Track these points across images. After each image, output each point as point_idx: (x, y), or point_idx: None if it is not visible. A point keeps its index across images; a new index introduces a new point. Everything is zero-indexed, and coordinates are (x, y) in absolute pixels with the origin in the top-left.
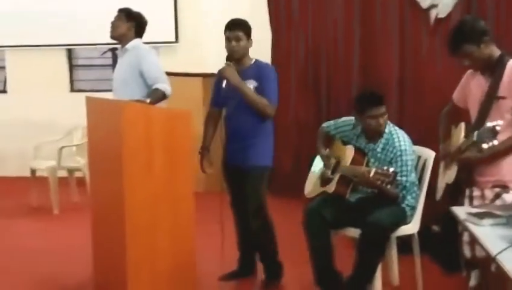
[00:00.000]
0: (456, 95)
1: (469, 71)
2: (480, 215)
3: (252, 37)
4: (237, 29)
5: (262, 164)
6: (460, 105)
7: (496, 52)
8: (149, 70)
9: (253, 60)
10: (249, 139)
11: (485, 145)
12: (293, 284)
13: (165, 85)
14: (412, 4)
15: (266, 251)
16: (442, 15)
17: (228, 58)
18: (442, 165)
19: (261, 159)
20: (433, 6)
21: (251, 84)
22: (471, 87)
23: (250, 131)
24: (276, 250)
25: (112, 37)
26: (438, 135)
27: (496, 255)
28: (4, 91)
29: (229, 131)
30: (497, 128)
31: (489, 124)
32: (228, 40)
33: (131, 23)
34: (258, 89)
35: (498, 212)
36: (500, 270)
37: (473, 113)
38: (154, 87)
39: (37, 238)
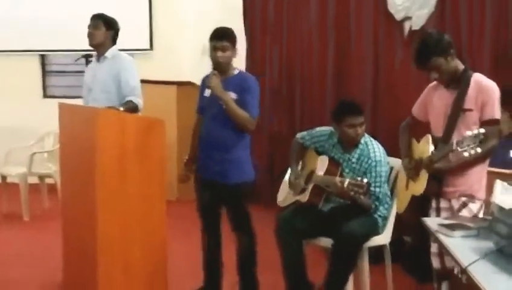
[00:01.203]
0: (415, 109)
1: (430, 85)
2: (452, 227)
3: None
4: (225, 39)
5: (246, 180)
6: (420, 118)
7: (460, 65)
8: (127, 81)
9: (237, 71)
10: (227, 154)
11: (466, 154)
12: None
13: (138, 99)
14: (386, 16)
15: (250, 267)
16: (416, 27)
17: (215, 68)
18: (403, 177)
19: (244, 176)
20: (407, 18)
21: (232, 96)
22: (434, 101)
23: (228, 144)
24: (256, 267)
25: (91, 45)
26: (400, 148)
27: (466, 267)
28: None
29: (204, 142)
30: (481, 136)
31: (470, 132)
32: (214, 49)
33: (109, 32)
34: (238, 102)
35: (469, 224)
36: (471, 282)
37: (436, 126)
38: (128, 98)
39: (7, 244)
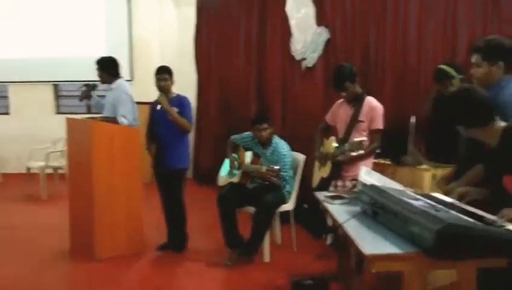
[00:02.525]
0: (328, 117)
1: (338, 101)
2: (333, 198)
3: (173, 78)
4: (164, 73)
5: (184, 167)
6: (331, 124)
7: (359, 89)
8: (119, 106)
9: (175, 94)
10: (174, 149)
11: (354, 153)
12: (212, 246)
13: (122, 119)
14: (290, 57)
15: (181, 226)
16: (309, 65)
17: (160, 91)
18: (317, 164)
19: (183, 163)
20: (304, 59)
21: (175, 110)
22: (340, 113)
23: (174, 142)
24: (186, 226)
25: (102, 82)
26: (314, 143)
27: (342, 223)
28: (7, 113)
29: (159, 144)
30: (364, 143)
31: (357, 139)
32: (158, 80)
33: (111, 71)
34: (180, 113)
35: (344, 195)
36: (344, 233)
37: (340, 130)
38: (121, 119)
39: (30, 216)
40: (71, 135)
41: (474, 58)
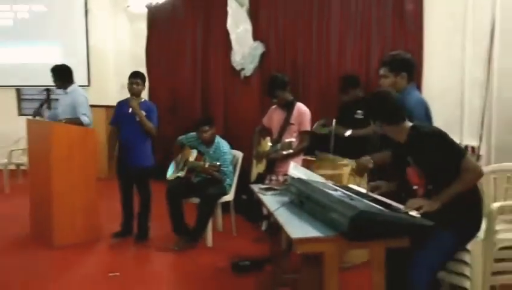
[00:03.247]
0: (264, 120)
1: (273, 106)
2: (266, 189)
3: (145, 83)
4: (137, 78)
5: (151, 164)
6: (267, 126)
7: (290, 96)
8: (79, 107)
9: (143, 99)
10: (139, 149)
11: (284, 152)
12: (161, 232)
13: (84, 117)
14: (231, 68)
15: (146, 218)
16: (247, 74)
17: (132, 95)
18: (254, 161)
19: (148, 162)
20: (242, 69)
21: (143, 113)
22: (274, 117)
23: (140, 143)
24: (149, 217)
25: (57, 87)
26: (252, 143)
27: (273, 211)
28: None
29: (124, 143)
30: (293, 143)
31: (287, 140)
32: (131, 84)
33: (65, 78)
34: (146, 117)
35: (276, 187)
36: (276, 220)
37: (274, 131)
38: (81, 118)
39: None
40: (32, 135)
41: (382, 71)
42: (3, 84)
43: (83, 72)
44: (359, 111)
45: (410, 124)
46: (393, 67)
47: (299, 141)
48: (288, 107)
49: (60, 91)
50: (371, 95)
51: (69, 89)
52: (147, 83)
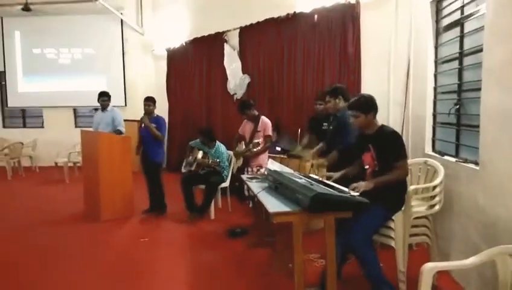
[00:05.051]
0: (240, 130)
1: (244, 120)
2: (251, 178)
3: (156, 104)
4: (149, 101)
5: (160, 161)
6: (241, 134)
7: (255, 112)
8: (117, 120)
9: (156, 115)
10: (151, 149)
11: (254, 150)
12: (178, 209)
13: (122, 128)
14: (227, 92)
15: (160, 197)
16: (238, 97)
17: (145, 113)
18: (234, 159)
19: (159, 159)
20: (235, 94)
21: (154, 126)
22: (246, 127)
23: (153, 145)
24: (164, 197)
25: (104, 108)
26: (232, 146)
27: (256, 194)
28: (42, 127)
29: (143, 145)
30: (260, 143)
31: (255, 140)
32: (145, 105)
33: (109, 101)
34: (156, 128)
35: (259, 177)
36: (259, 200)
37: (247, 137)
38: (117, 128)
39: (58, 193)
40: (84, 141)
41: (327, 98)
42: (64, 105)
43: (121, 97)
44: (325, 123)
45: (379, 123)
46: (333, 94)
47: (264, 143)
48: (255, 120)
49: (98, 111)
50: (358, 95)
51: (109, 108)
52: (166, 104)
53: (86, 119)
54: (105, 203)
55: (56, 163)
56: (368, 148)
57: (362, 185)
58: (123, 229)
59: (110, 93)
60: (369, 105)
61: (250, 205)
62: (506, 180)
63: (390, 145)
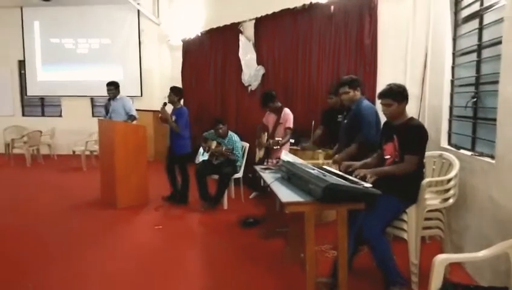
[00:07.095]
0: (264, 119)
1: (267, 112)
2: (265, 169)
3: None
4: (171, 91)
5: (186, 152)
6: (265, 124)
7: (279, 104)
8: (127, 107)
9: (179, 106)
10: (174, 141)
11: (275, 147)
12: (192, 198)
13: (134, 113)
14: (241, 84)
15: (186, 188)
16: (253, 89)
17: (169, 102)
18: (258, 149)
19: (184, 150)
20: (249, 85)
21: (173, 118)
22: (269, 118)
23: (176, 137)
24: (189, 189)
25: (113, 97)
26: (256, 136)
27: (269, 184)
28: (61, 116)
29: (170, 138)
30: (280, 142)
31: (276, 138)
32: (169, 95)
33: (117, 90)
34: (175, 121)
35: (272, 168)
36: (271, 190)
37: (270, 129)
38: (130, 113)
39: (76, 180)
40: (101, 130)
41: (347, 89)
42: (81, 94)
43: (137, 87)
44: (340, 115)
45: (410, 115)
46: (352, 85)
47: (284, 135)
48: (278, 111)
49: (111, 101)
50: (389, 85)
51: (118, 96)
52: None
53: (103, 109)
54: (121, 191)
55: (74, 151)
56: (392, 138)
57: (367, 172)
58: (138, 216)
59: (127, 84)
60: (402, 94)
61: (251, 196)
62: None
63: (411, 137)
